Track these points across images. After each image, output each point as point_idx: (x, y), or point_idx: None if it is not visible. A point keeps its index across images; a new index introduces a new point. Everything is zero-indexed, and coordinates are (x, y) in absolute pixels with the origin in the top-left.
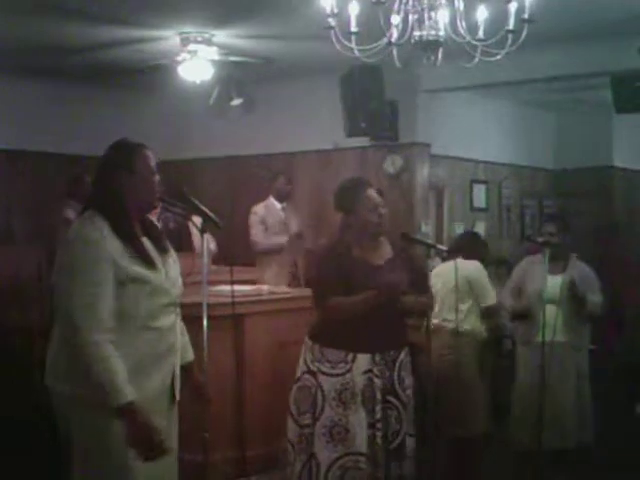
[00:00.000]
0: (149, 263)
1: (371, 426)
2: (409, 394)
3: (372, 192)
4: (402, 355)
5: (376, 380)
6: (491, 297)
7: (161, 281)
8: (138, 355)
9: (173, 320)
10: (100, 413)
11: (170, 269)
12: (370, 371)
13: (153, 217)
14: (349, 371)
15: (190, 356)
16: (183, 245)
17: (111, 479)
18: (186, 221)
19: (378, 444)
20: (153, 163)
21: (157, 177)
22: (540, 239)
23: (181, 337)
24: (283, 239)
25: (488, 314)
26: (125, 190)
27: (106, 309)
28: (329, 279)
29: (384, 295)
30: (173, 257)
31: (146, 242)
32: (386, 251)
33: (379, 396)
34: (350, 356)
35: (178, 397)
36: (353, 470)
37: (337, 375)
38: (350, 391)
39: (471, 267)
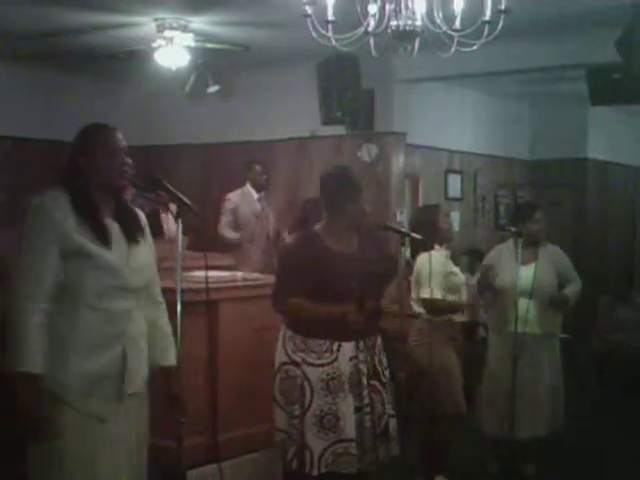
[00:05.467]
0: (102, 240)
1: (358, 410)
2: (387, 374)
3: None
4: (379, 339)
5: (361, 366)
6: (426, 291)
7: (113, 261)
8: (79, 333)
9: (127, 307)
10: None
11: (136, 257)
12: (355, 358)
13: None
14: (335, 360)
15: (170, 360)
16: (153, 231)
17: (48, 464)
18: (161, 207)
19: (366, 428)
20: (115, 144)
21: (120, 158)
22: (513, 228)
23: (163, 339)
24: (238, 235)
25: (424, 305)
26: (85, 169)
27: (46, 278)
28: (293, 274)
29: (353, 316)
30: (148, 247)
31: (112, 225)
32: (355, 240)
33: (365, 381)
34: (335, 345)
35: (129, 391)
36: (344, 456)
37: (323, 365)
38: (337, 380)
39: (424, 257)
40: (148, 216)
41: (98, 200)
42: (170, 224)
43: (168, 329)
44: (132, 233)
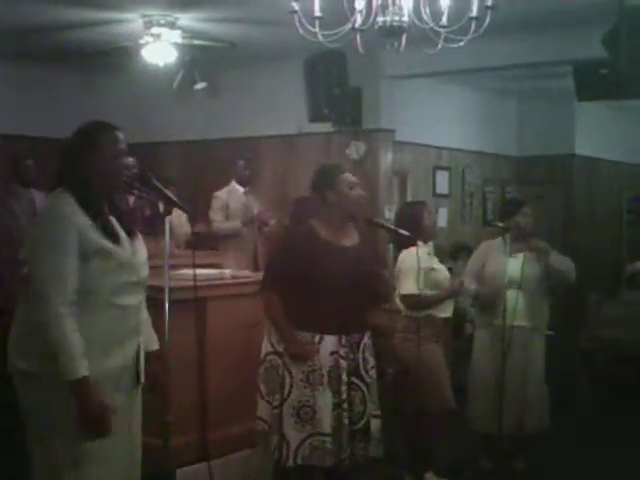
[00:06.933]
0: (115, 238)
1: (337, 407)
2: (372, 374)
3: (349, 174)
4: (365, 338)
5: (342, 361)
6: (405, 287)
7: (127, 258)
8: (101, 332)
9: (139, 300)
10: (57, 390)
11: (138, 250)
12: (336, 352)
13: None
14: (316, 352)
15: (153, 345)
16: (159, 230)
17: (68, 460)
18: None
19: (344, 424)
20: (119, 144)
21: (123, 159)
22: (500, 224)
23: (146, 326)
24: (239, 223)
25: (403, 302)
26: (89, 168)
27: (73, 281)
28: (282, 263)
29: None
30: (140, 241)
31: (113, 221)
32: (354, 235)
33: (344, 377)
34: (317, 338)
35: (142, 379)
36: (320, 450)
37: None
38: (317, 372)
39: (409, 253)
40: (151, 217)
41: (100, 197)
42: (179, 223)
43: (147, 316)
44: (130, 228)
